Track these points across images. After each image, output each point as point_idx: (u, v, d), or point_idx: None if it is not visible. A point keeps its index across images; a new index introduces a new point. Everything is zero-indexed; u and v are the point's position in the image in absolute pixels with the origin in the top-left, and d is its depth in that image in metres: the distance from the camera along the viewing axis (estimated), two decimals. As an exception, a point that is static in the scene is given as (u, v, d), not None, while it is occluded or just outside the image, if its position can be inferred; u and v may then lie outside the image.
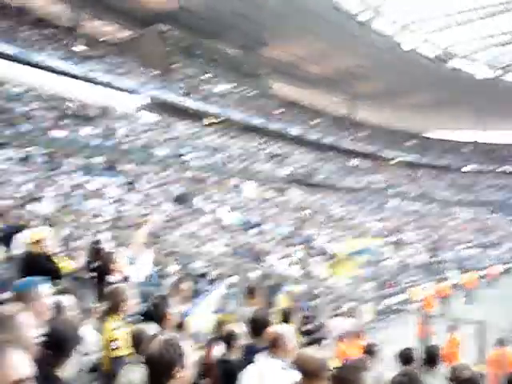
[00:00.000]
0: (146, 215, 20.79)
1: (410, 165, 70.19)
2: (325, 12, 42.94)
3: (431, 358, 4.80)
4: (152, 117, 39.87)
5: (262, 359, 3.77)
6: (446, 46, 55.15)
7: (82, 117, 33.18)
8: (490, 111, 72.42)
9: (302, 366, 3.15)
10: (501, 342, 7.95)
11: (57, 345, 3.10)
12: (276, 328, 4.03)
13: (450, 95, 64.89)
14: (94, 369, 3.97)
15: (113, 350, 3.96)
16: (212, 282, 14.23)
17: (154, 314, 4.40)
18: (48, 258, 5.99)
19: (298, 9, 42.37)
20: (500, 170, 79.88)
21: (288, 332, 3.92)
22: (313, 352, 3.19)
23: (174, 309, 4.59)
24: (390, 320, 19.04)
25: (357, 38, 47.47)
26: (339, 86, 61.36)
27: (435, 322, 13.19)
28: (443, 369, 4.72)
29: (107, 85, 37.86)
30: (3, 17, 35.92)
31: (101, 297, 4.92)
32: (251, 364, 3.84)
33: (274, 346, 3.80)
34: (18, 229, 9.40)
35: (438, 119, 75.17)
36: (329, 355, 3.51)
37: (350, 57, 52.83)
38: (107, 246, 8.59)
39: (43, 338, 3.03)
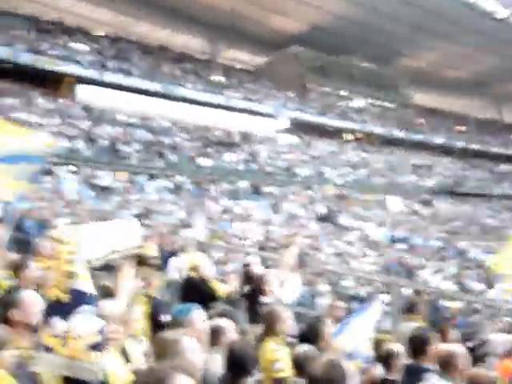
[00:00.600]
0: (292, 235, 21.01)
1: None
2: (459, 14, 41.56)
3: None
4: (292, 138, 40.39)
5: (433, 380, 3.61)
6: None
7: (226, 144, 34.36)
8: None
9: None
10: None
11: (239, 365, 3.24)
12: (447, 347, 3.86)
13: None
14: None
15: (276, 371, 3.98)
16: (364, 300, 14.01)
17: (310, 334, 4.37)
18: (205, 283, 6.21)
19: (429, 14, 41.32)
20: None
21: (460, 351, 3.74)
22: (484, 372, 3.01)
23: (331, 329, 4.54)
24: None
25: (496, 36, 45.21)
26: (482, 89, 58.58)
27: None
28: None
29: (246, 111, 38.95)
30: (147, 55, 38.32)
31: (255, 319, 4.97)
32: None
33: (446, 365, 3.63)
34: (173, 254, 9.86)
35: None
36: (496, 374, 3.30)
37: (491, 57, 50.36)
38: (257, 268, 8.73)
39: (226, 360, 3.19)
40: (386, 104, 52.53)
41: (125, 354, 3.50)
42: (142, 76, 34.87)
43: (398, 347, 4.41)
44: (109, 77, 32.82)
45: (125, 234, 2.75)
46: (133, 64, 36.08)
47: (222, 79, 41.13)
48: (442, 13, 41.46)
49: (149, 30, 42.66)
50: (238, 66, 47.44)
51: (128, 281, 3.19)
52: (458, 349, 3.81)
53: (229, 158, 32.43)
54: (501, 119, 64.50)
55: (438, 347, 3.97)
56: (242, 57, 48.75)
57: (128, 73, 34.26)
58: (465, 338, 7.89)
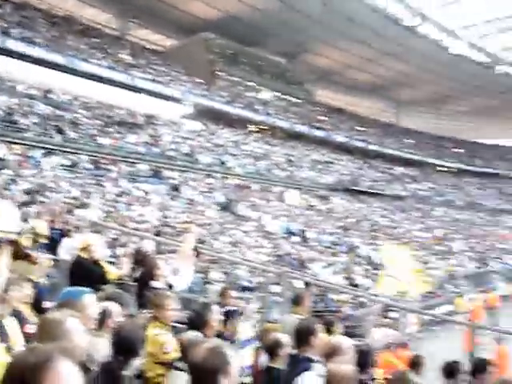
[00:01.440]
0: (189, 222, 20.99)
1: (457, 172, 68.88)
2: (369, 18, 42.78)
3: (479, 371, 4.67)
4: (196, 124, 40.21)
5: (318, 370, 3.72)
6: (494, 51, 54.10)
7: (128, 124, 33.71)
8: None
9: (330, 380, 3.12)
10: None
11: (126, 346, 3.22)
12: (333, 339, 4.00)
13: (498, 101, 63.68)
14: (139, 375, 4.00)
15: (163, 354, 4.00)
16: (256, 289, 14.25)
17: (197, 321, 4.40)
18: (95, 264, 6.11)
19: (340, 15, 42.37)
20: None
21: (345, 343, 3.88)
22: (339, 367, 3.15)
23: (217, 316, 4.59)
24: (435, 331, 18.71)
25: (403, 43, 47.07)
26: (384, 93, 60.88)
27: (482, 333, 12.86)
28: (492, 382, 4.58)
29: (152, 93, 38.38)
30: (51, 26, 36.84)
31: (144, 303, 4.96)
32: (303, 373, 3.79)
33: (330, 356, 3.75)
34: (65, 234, 9.60)
35: (485, 125, 73.86)
36: (354, 370, 3.45)
37: (396, 63, 52.35)
38: (151, 252, 8.67)
39: (113, 342, 3.15)
40: (291, 99, 53.36)
41: (2, 333, 3.39)
42: (45, 46, 33.47)
43: (284, 337, 4.53)
44: (10, 44, 31.25)
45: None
46: (37, 33, 34.57)
47: (130, 58, 40.23)
48: (353, 16, 42.60)
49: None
50: (148, 47, 46.55)
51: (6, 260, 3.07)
52: (343, 340, 3.94)
53: (130, 139, 31.83)
54: (398, 123, 67.30)
55: (323, 338, 4.10)
56: (152, 37, 47.94)
57: (31, 42, 32.79)
58: (349, 331, 8.23)
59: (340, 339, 4.02)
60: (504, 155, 78.28)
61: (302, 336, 4.13)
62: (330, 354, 3.72)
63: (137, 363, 3.54)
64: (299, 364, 3.92)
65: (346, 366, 3.41)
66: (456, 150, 71.74)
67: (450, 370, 4.99)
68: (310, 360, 3.93)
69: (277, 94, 52.09)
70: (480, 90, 60.67)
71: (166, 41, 48.33)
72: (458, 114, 68.84)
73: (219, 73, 46.80)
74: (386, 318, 13.12)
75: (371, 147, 57.35)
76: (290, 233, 28.31)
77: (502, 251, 42.24)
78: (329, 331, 5.18)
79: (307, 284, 13.33)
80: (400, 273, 20.13)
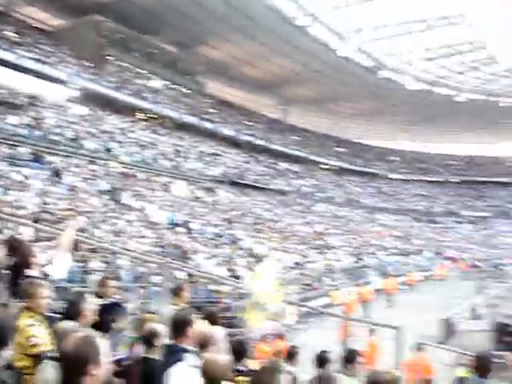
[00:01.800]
0: (71, 209, 20.38)
1: (339, 170, 71.46)
2: (263, 15, 43.26)
3: (349, 361, 4.91)
4: (82, 109, 38.99)
5: (190, 360, 3.75)
6: (379, 56, 56.42)
7: (10, 105, 32.11)
8: (418, 122, 74.95)
9: (205, 370, 3.17)
10: (418, 348, 8.22)
11: None
12: (206, 329, 4.03)
13: (380, 104, 66.65)
14: (8, 366, 3.87)
15: (31, 346, 3.87)
16: (137, 279, 14.10)
17: (71, 310, 4.32)
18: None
19: (236, 10, 42.52)
20: (425, 179, 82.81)
21: (218, 333, 3.93)
22: (216, 357, 3.21)
23: (92, 305, 4.51)
24: (312, 323, 19.33)
25: (293, 42, 48.02)
26: (274, 89, 61.90)
27: (356, 325, 13.48)
28: (362, 372, 4.82)
29: (37, 73, 36.77)
30: None
31: (18, 292, 4.79)
32: (176, 364, 3.81)
33: (204, 346, 3.79)
34: None
35: (367, 127, 77.15)
36: (229, 360, 3.53)
37: (286, 61, 53.33)
38: (28, 239, 8.37)
39: None
40: (182, 89, 53.07)
41: None
42: None
43: (160, 327, 4.54)
44: None
45: None
46: None
47: (15, 35, 38.26)
48: (248, 11, 42.90)
49: None
50: (35, 25, 44.39)
51: None
52: (216, 331, 3.99)
53: (11, 120, 30.34)
54: (286, 120, 68.75)
55: (197, 328, 4.14)
56: (40, 15, 45.70)
57: None
58: (229, 322, 8.36)
59: (213, 329, 4.08)
60: (383, 157, 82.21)
61: (179, 326, 4.15)
62: (204, 344, 3.77)
63: (6, 354, 3.43)
64: (174, 354, 3.94)
65: (221, 355, 3.47)
66: (339, 149, 74.45)
67: (321, 359, 5.19)
68: (186, 350, 3.96)
69: (167, 83, 51.58)
70: (364, 93, 63.21)
71: (54, 20, 46.23)
72: (343, 114, 71.31)
73: (109, 57, 45.61)
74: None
75: (258, 142, 58.26)
76: (175, 224, 28.19)
77: (377, 247, 44.39)
78: (209, 322, 5.25)
79: (189, 275, 13.38)
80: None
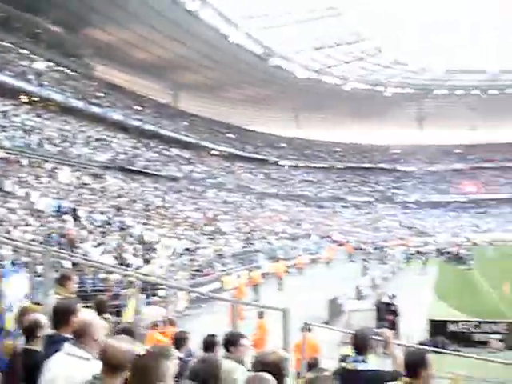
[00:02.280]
0: None
1: (229, 156, 71.86)
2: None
3: (232, 344, 4.90)
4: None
5: (67, 349, 3.62)
6: (270, 44, 57.11)
7: None
8: (306, 109, 76.80)
9: (105, 357, 3.07)
10: (305, 328, 8.42)
11: None
12: (83, 317, 3.90)
13: (270, 92, 67.61)
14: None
15: None
16: (21, 269, 13.49)
17: None
18: None
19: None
20: (313, 165, 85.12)
21: (95, 321, 3.81)
22: (118, 343, 3.11)
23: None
24: (204, 308, 19.39)
25: (184, 27, 47.55)
26: (164, 74, 61.10)
27: (246, 309, 13.62)
28: (247, 354, 4.84)
29: None
30: None
31: None
32: (55, 354, 3.67)
33: (80, 335, 3.67)
34: None
35: (257, 114, 78.05)
36: (136, 346, 3.45)
37: (176, 45, 52.74)
38: None
39: None
40: (68, 71, 51.06)
41: None
42: None
43: (42, 317, 4.36)
44: None
45: None
46: None
47: None
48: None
49: None
50: None
51: None
52: (93, 319, 3.87)
53: None
54: (176, 105, 68.13)
55: (76, 317, 4.00)
56: None
57: None
58: (117, 310, 8.17)
59: (90, 316, 3.96)
60: (272, 143, 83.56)
61: (61, 316, 4.00)
62: (81, 332, 3.65)
63: None
64: (55, 344, 3.80)
65: (123, 342, 3.35)
66: (229, 135, 74.81)
67: (208, 343, 5.17)
68: (65, 339, 3.83)
69: (52, 64, 49.41)
70: (254, 80, 63.88)
71: None
72: (233, 100, 71.70)
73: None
74: (155, 296, 13.28)
75: (147, 127, 57.31)
76: (61, 211, 27.21)
77: (267, 232, 45.16)
78: (98, 311, 5.11)
79: (74, 264, 12.99)
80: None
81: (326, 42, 58.98)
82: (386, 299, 16.08)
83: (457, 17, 65.34)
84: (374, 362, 4.49)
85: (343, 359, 4.11)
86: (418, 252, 47.16)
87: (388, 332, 4.49)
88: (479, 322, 14.87)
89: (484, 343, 14.23)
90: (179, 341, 6.04)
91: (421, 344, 12.29)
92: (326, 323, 15.16)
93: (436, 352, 9.07)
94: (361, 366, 3.93)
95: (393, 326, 14.73)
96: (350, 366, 3.96)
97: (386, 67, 72.21)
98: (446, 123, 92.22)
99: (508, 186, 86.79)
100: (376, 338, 4.54)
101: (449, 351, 10.40)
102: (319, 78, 67.98)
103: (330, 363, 5.53)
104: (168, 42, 52.14)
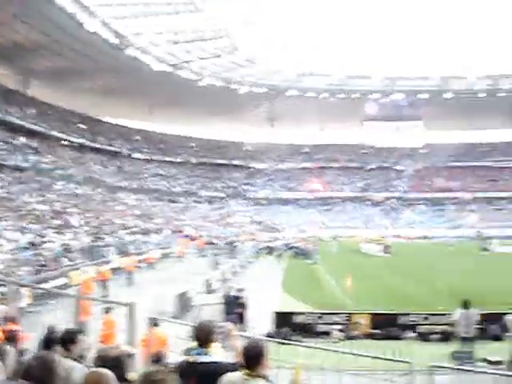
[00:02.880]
0: None
1: (80, 147, 69.52)
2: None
3: (69, 341, 4.78)
4: None
5: None
6: (126, 34, 55.94)
7: None
8: (162, 103, 76.18)
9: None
10: (152, 323, 8.40)
11: None
12: None
13: (125, 83, 66.31)
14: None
15: None
16: None
17: None
18: None
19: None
20: (166, 159, 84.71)
21: None
22: None
23: None
24: (51, 304, 18.65)
25: (38, 11, 45.24)
26: (12, 58, 57.62)
27: (94, 304, 13.34)
28: (86, 351, 4.74)
29: None
30: None
31: None
32: None
33: None
34: None
35: (111, 104, 76.23)
36: None
37: (29, 30, 49.96)
38: None
39: None
40: None
41: None
42: None
43: None
44: None
45: None
46: None
47: None
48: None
49: None
50: None
51: None
52: None
53: None
54: (25, 92, 64.67)
55: None
56: None
57: None
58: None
59: None
60: (125, 135, 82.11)
61: None
62: None
63: None
64: None
65: None
66: (81, 126, 72.37)
67: (46, 341, 5.02)
68: None
69: None
70: (109, 70, 62.24)
71: None
72: (87, 90, 69.34)
73: None
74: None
75: (-7, 115, 53.91)
76: None
77: (118, 226, 44.26)
78: None
79: None
80: None
81: (184, 37, 58.90)
82: (234, 292, 16.42)
83: (310, 22, 68.28)
84: (221, 354, 4.61)
85: (187, 351, 4.16)
86: (268, 247, 48.62)
87: (230, 325, 4.61)
88: (322, 314, 15.63)
89: (327, 333, 14.97)
90: (11, 338, 5.80)
91: (267, 336, 12.74)
92: (176, 318, 15.19)
93: (280, 343, 9.45)
94: (202, 359, 4.00)
95: (241, 318, 15.10)
96: (192, 359, 4.02)
97: (241, 66, 73.60)
98: (296, 123, 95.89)
99: (351, 185, 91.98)
100: (219, 330, 4.64)
101: (292, 342, 10.86)
102: (175, 72, 67.76)
103: (177, 357, 5.58)
104: (18, 24, 49.18)
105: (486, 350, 12.13)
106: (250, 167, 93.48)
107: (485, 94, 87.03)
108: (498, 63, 78.23)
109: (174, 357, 6.33)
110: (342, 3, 71.82)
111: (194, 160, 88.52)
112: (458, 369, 7.93)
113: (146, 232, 46.86)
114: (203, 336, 4.15)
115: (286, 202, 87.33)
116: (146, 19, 52.75)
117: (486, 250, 47.63)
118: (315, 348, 7.16)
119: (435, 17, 76.00)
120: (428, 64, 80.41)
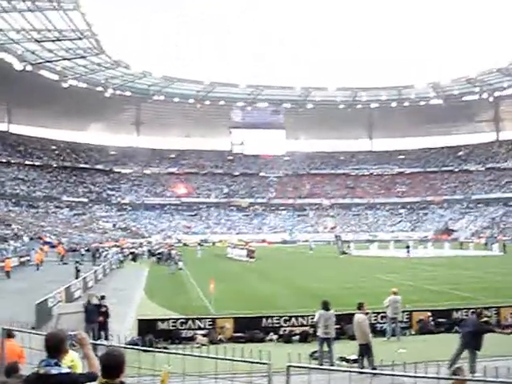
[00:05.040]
0: None
1: None
2: None
3: None
4: None
5: None
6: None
7: None
8: (21, 103, 72.68)
9: None
10: (6, 334, 7.99)
11: None
12: None
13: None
14: None
15: None
16: None
17: None
18: None
19: None
20: (26, 163, 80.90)
21: None
22: None
23: None
24: None
25: None
26: None
27: None
28: None
29: None
30: None
31: None
32: None
33: None
34: None
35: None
36: None
37: None
38: None
39: None
40: None
41: None
42: None
43: None
44: None
45: None
46: None
47: None
48: None
49: None
50: None
51: None
52: None
53: None
54: None
55: None
56: None
57: None
58: None
59: None
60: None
61: None
62: None
63: None
64: None
65: None
66: None
67: None
68: None
69: None
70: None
71: None
72: None
73: None
74: None
75: None
76: None
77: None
78: None
79: None
80: None
81: (47, 36, 56.38)
82: (95, 301, 15.97)
83: (177, 27, 68.32)
84: (77, 364, 4.46)
85: (40, 364, 3.98)
86: (132, 253, 47.78)
87: (83, 334, 4.47)
88: (186, 319, 15.59)
89: (191, 339, 14.96)
90: None
91: (129, 343, 12.52)
92: (34, 328, 14.50)
93: (142, 350, 9.31)
94: (53, 370, 3.85)
95: (103, 327, 14.71)
96: (42, 371, 3.86)
97: (107, 68, 71.88)
98: (162, 128, 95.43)
99: (217, 190, 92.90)
100: (71, 340, 4.51)
101: (154, 349, 10.74)
102: (37, 71, 64.89)
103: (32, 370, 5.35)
104: None
105: (345, 349, 12.72)
106: (114, 172, 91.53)
107: (344, 106, 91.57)
108: (356, 76, 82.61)
109: (30, 369, 6.05)
110: (212, 10, 72.60)
111: (55, 164, 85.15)
112: (315, 368, 8.23)
113: (3, 239, 44.43)
114: (53, 346, 3.98)
115: (151, 207, 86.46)
116: (6, 15, 49.91)
117: (344, 253, 49.85)
118: (176, 354, 7.12)
119: (296, 28, 78.92)
120: (292, 74, 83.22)
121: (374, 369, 10.15)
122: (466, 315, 15.57)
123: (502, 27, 71.81)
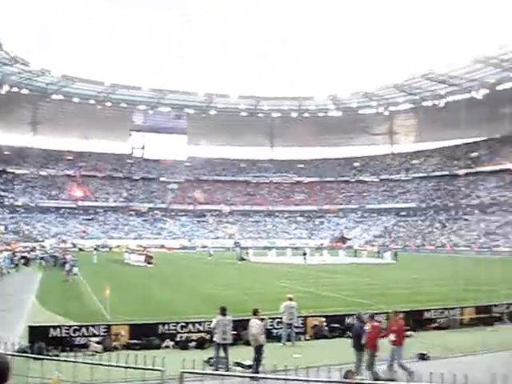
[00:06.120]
0: None
1: None
2: None
3: None
4: None
5: None
6: None
7: None
8: None
9: None
10: None
11: None
12: None
13: None
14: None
15: None
16: None
17: None
18: None
19: None
20: None
21: None
22: None
23: None
24: None
25: None
26: None
27: None
28: None
29: None
30: None
31: None
32: None
33: None
34: None
35: None
36: None
37: None
38: None
39: None
40: None
41: None
42: None
43: None
44: None
45: None
46: None
47: None
48: None
49: None
50: None
51: None
52: None
53: None
54: None
55: None
56: None
57: None
58: None
59: None
60: None
61: None
62: None
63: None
64: None
65: None
66: None
67: None
68: None
69: None
70: None
71: None
72: None
73: None
74: None
75: None
76: None
77: None
78: None
79: None
80: None
81: None
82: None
83: (83, 24, 66.71)
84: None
85: None
86: (24, 257, 45.89)
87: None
88: (79, 326, 15.15)
89: (84, 346, 14.55)
90: None
91: (18, 351, 12.02)
92: None
93: (32, 358, 8.99)
94: None
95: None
96: None
97: (3, 63, 68.80)
98: (60, 129, 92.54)
99: (116, 194, 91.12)
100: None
101: (45, 356, 10.39)
102: None
103: None
104: None
105: (241, 354, 12.83)
106: (7, 172, 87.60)
107: (246, 114, 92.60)
108: (259, 85, 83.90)
109: None
110: (123, 10, 71.49)
111: None
112: (208, 373, 8.27)
113: None
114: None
115: (46, 210, 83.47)
116: None
117: (242, 259, 50.25)
118: (67, 361, 6.95)
119: (199, 34, 79.13)
120: (195, 80, 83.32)
121: (257, 373, 10.37)
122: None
123: (398, 45, 75.42)
